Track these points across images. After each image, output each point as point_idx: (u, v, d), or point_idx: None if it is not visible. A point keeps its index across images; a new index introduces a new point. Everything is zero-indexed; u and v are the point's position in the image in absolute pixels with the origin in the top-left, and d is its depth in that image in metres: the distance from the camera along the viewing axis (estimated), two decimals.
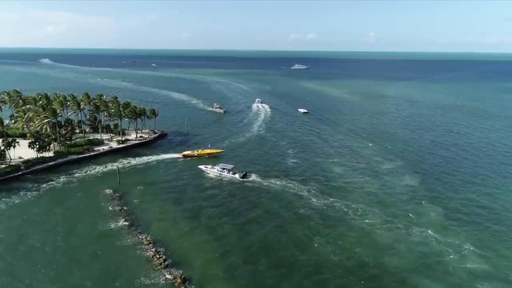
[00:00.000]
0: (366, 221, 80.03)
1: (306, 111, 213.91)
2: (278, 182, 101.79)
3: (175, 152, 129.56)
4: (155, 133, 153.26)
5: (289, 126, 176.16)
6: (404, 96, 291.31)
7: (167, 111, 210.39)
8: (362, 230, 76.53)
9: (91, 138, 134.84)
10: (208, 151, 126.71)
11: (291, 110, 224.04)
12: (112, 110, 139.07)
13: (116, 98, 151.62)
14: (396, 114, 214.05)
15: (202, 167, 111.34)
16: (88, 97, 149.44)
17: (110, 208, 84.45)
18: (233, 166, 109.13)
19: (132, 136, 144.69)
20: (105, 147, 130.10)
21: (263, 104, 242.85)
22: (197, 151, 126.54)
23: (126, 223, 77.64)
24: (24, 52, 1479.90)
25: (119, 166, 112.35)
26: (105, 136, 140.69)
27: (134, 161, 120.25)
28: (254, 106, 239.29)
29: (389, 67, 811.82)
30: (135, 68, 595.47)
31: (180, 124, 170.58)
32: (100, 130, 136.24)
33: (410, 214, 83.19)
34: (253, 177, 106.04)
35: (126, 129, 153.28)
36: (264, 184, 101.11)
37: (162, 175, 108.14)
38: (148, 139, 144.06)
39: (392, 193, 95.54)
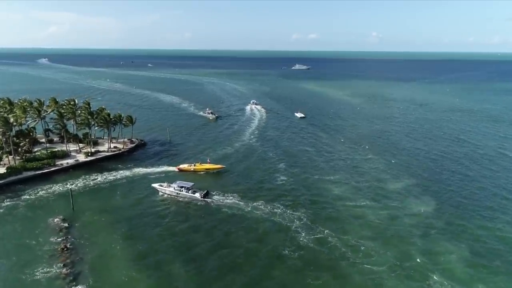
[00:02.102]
0: (370, 266, 63.07)
1: (303, 115, 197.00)
2: (260, 206, 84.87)
3: (150, 166, 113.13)
4: (132, 142, 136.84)
5: (283, 134, 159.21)
6: (408, 98, 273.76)
7: (152, 116, 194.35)
8: (364, 280, 59.65)
9: (56, 149, 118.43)
10: (207, 166, 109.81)
11: (288, 114, 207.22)
12: (79, 118, 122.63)
13: (89, 103, 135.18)
14: (400, 119, 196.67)
15: (156, 186, 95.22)
16: (56, 102, 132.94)
17: (48, 247, 67.72)
18: (192, 184, 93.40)
19: (105, 146, 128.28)
20: (70, 161, 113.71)
21: (258, 106, 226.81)
22: (194, 165, 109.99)
23: (64, 270, 60.87)
24: (26, 52, 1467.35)
25: (78, 186, 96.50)
26: (73, 147, 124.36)
27: (101, 177, 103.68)
28: (248, 108, 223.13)
29: (392, 67, 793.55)
30: (132, 69, 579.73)
31: (164, 131, 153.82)
32: (65, 140, 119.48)
33: (425, 258, 66.08)
34: (219, 197, 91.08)
35: (101, 138, 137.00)
36: (240, 207, 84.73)
37: (127, 196, 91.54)
38: (123, 150, 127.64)
39: (401, 224, 78.46)
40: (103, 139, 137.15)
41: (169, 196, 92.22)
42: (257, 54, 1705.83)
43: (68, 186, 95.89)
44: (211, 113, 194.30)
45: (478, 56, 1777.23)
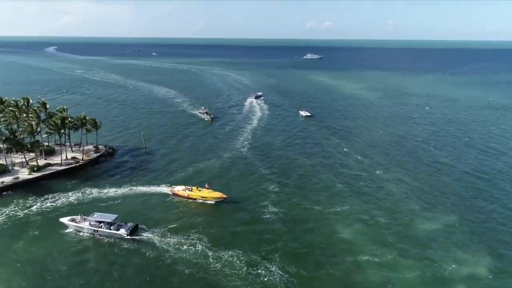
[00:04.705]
0: None
1: (308, 114, 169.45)
2: (230, 259, 59.64)
3: (108, 186, 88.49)
4: (98, 150, 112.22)
5: (284, 139, 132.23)
6: (432, 93, 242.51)
7: (134, 114, 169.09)
8: None
9: None
10: (205, 193, 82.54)
11: (293, 111, 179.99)
12: (24, 123, 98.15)
13: (44, 104, 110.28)
14: (426, 120, 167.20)
15: (65, 221, 70.59)
16: (2, 102, 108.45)
17: None
18: (115, 216, 69.20)
19: (62, 156, 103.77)
20: (7, 179, 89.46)
21: (259, 101, 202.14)
22: (190, 190, 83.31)
23: None
24: (37, 41, 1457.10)
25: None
26: (18, 159, 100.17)
27: (37, 205, 79.31)
28: (248, 104, 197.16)
29: (409, 57, 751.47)
30: (135, 58, 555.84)
31: (144, 135, 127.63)
32: (4, 151, 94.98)
33: None
34: (152, 234, 68.32)
35: (62, 145, 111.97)
36: (195, 256, 59.70)
37: (36, 238, 67.54)
38: (82, 161, 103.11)
39: None
40: (65, 145, 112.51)
41: (84, 234, 68.69)
42: (270, 43, 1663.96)
43: None
44: (207, 113, 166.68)
45: (498, 45, 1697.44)
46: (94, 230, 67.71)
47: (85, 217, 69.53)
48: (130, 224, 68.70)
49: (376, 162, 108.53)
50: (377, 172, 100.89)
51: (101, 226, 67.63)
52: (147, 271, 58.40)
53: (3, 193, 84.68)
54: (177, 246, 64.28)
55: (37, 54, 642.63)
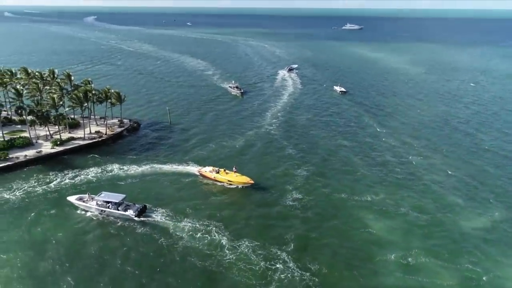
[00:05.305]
0: None
1: (344, 90, 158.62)
2: (241, 247, 54.77)
3: (129, 163, 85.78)
4: (122, 124, 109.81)
5: (315, 117, 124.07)
6: (480, 68, 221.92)
7: (161, 87, 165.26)
8: None
9: (17, 136, 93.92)
10: (232, 177, 77.25)
11: (328, 86, 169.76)
12: (46, 96, 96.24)
13: (70, 76, 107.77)
14: (471, 98, 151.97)
15: (73, 199, 67.84)
16: (27, 74, 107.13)
17: None
18: (123, 196, 65.55)
19: (87, 130, 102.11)
20: (31, 153, 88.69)
21: (293, 74, 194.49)
22: (217, 172, 78.82)
23: None
24: (78, 10, 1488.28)
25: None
26: (43, 132, 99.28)
27: (57, 180, 77.88)
28: (280, 76, 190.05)
29: (460, 27, 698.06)
30: (170, 28, 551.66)
31: (170, 109, 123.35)
32: (28, 124, 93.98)
33: None
34: (162, 216, 64.99)
35: (88, 118, 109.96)
36: (206, 240, 55.26)
37: (41, 216, 65.60)
38: (105, 136, 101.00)
39: None
40: (90, 118, 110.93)
41: (91, 213, 66.10)
42: (309, 13, 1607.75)
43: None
44: (237, 87, 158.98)
45: None
46: (102, 210, 65.10)
47: (93, 196, 67.00)
48: (138, 205, 65.59)
49: (412, 147, 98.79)
50: (413, 158, 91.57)
51: (109, 206, 64.82)
52: (157, 260, 54.85)
53: (26, 167, 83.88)
54: (191, 233, 60.35)
55: (77, 24, 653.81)
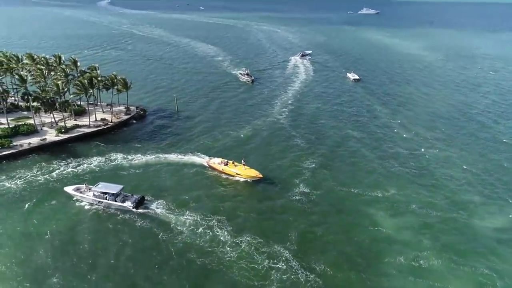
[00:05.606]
0: None
1: (357, 77, 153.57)
2: (243, 244, 52.82)
3: (133, 152, 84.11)
4: (129, 112, 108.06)
5: (326, 106, 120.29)
6: (501, 55, 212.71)
7: (169, 73, 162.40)
8: None
9: (22, 123, 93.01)
10: (241, 169, 74.48)
11: (340, 73, 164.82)
12: (50, 82, 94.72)
13: (76, 61, 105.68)
14: (491, 87, 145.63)
15: (70, 190, 66.35)
16: (33, 59, 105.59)
17: None
18: (121, 187, 63.85)
19: (92, 117, 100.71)
20: (35, 140, 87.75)
21: (306, 60, 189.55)
22: (225, 164, 76.41)
23: None
24: None
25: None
26: (48, 119, 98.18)
27: (60, 169, 76.83)
28: (292, 63, 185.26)
29: (481, 12, 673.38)
30: (183, 12, 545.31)
31: (177, 96, 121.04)
32: (32, 111, 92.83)
33: None
34: (161, 208, 63.51)
35: (95, 105, 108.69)
36: (208, 235, 53.09)
37: (37, 207, 64.38)
38: (111, 123, 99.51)
39: None
40: (96, 105, 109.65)
41: (89, 204, 64.54)
42: None
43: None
44: (247, 74, 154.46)
45: None
46: (99, 202, 63.67)
47: (90, 186, 65.56)
48: (136, 196, 64.08)
49: (426, 139, 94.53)
50: (426, 150, 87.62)
51: (106, 197, 63.34)
52: (155, 256, 53.19)
53: (29, 155, 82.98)
54: (192, 227, 58.51)
55: (91, 8, 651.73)
